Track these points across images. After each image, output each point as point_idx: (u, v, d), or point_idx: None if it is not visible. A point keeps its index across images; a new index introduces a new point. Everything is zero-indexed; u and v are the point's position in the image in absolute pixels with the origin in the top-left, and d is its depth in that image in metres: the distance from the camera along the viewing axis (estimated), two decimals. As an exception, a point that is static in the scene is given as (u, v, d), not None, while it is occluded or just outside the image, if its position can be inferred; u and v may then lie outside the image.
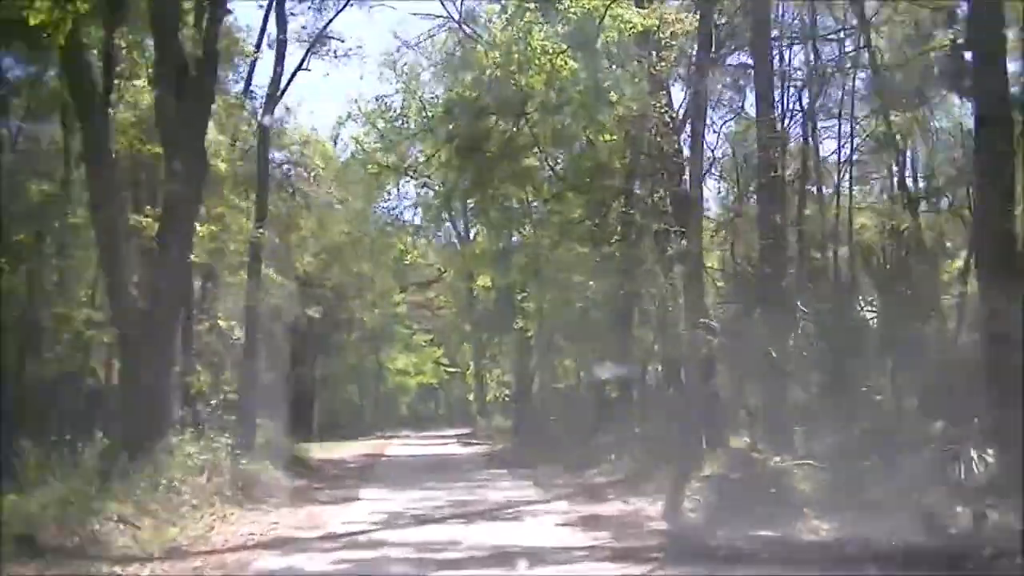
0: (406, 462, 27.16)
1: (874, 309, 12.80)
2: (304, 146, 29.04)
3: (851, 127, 21.11)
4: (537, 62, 20.18)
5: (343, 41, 26.46)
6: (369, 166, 27.75)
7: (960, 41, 17.49)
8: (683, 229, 17.35)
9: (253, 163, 23.16)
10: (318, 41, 25.49)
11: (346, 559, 9.74)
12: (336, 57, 26.33)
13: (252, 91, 24.25)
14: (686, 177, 19.69)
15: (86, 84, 14.06)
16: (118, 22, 15.12)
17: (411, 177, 28.37)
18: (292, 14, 24.75)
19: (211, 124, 18.08)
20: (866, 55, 19.52)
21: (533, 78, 20.75)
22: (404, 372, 53.57)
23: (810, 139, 21.56)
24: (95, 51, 14.86)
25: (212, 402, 18.65)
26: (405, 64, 27.03)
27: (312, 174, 29.13)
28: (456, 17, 25.78)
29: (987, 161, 12.15)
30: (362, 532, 11.78)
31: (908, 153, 21.28)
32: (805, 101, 21.54)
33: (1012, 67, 13.48)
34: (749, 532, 9.72)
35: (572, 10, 19.57)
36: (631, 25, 19.05)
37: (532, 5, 20.21)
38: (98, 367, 19.09)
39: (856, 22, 19.90)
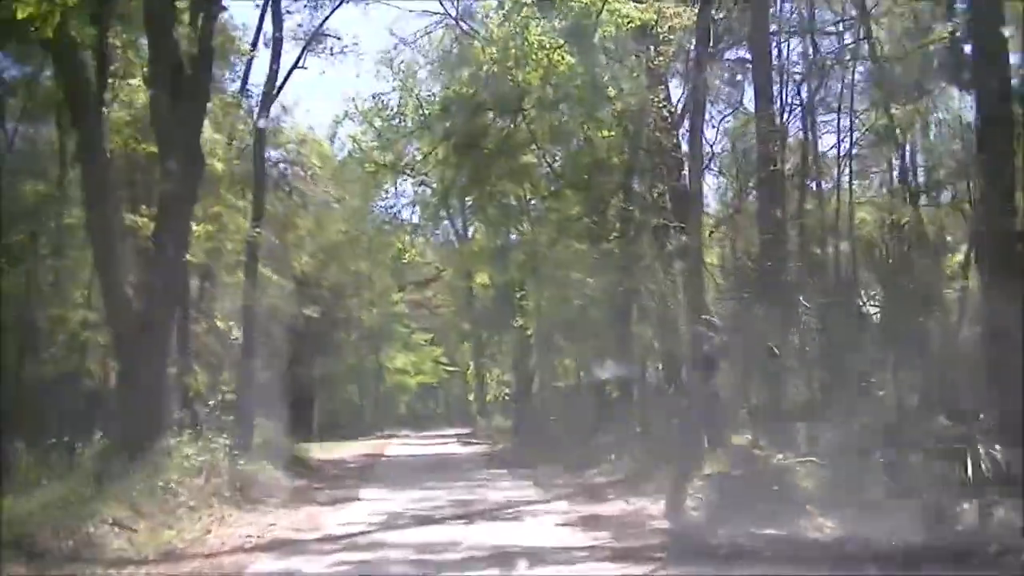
0: (406, 462, 27.08)
1: (876, 304, 12.70)
2: (301, 145, 28.92)
3: (850, 120, 20.99)
4: (534, 57, 20.06)
5: (339, 39, 26.36)
6: (366, 165, 27.66)
7: (958, 34, 17.48)
8: (682, 225, 17.23)
9: (250, 162, 23.06)
10: (314, 39, 25.40)
11: (345, 561, 9.62)
12: (332, 55, 26.22)
13: (248, 90, 24.23)
14: (685, 172, 19.61)
15: (80, 83, 13.94)
16: (111, 20, 14.97)
17: (408, 175, 28.27)
18: (288, 12, 24.72)
19: (207, 123, 18.00)
20: (866, 47, 19.39)
21: (530, 74, 20.63)
22: (403, 371, 53.44)
23: (809, 133, 21.43)
24: (89, 50, 14.71)
25: (210, 403, 18.53)
26: (402, 63, 26.97)
27: (309, 173, 29.01)
28: (453, 14, 25.71)
29: (988, 159, 12.07)
30: (361, 533, 11.67)
31: (908, 146, 21.12)
32: (804, 95, 21.39)
33: (1013, 59, 13.37)
34: (752, 531, 9.60)
35: (569, 4, 19.45)
36: (628, 19, 18.93)
37: (529, 0, 20.07)
38: (96, 368, 18.98)
39: (855, 15, 19.77)
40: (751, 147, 20.46)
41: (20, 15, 8.60)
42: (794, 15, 22.16)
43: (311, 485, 18.29)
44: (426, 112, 24.57)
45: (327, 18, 25.71)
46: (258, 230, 21.18)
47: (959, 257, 19.76)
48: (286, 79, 24.35)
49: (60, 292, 18.51)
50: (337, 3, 25.55)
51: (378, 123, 26.73)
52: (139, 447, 12.53)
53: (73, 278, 18.83)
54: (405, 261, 40.93)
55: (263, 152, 23.46)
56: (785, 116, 21.10)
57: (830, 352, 12.79)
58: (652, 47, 19.65)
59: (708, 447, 14.82)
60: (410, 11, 30.55)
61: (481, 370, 49.60)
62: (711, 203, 23.83)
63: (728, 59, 22.50)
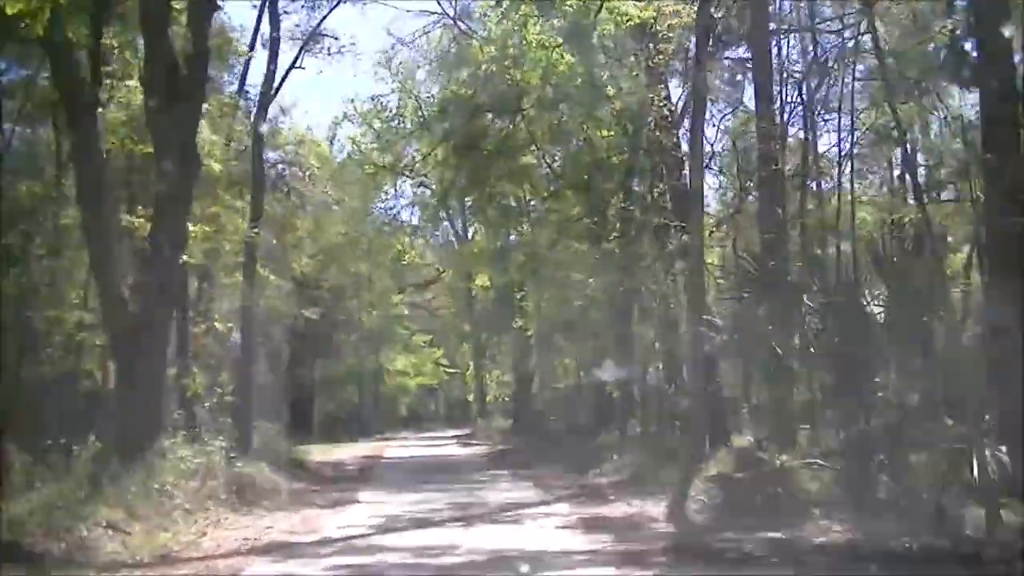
0: (405, 463, 26.98)
1: (880, 303, 12.57)
2: (299, 146, 28.81)
3: (851, 119, 20.87)
4: (533, 56, 19.96)
5: (336, 39, 26.32)
6: (366, 166, 27.62)
7: (959, 32, 17.37)
8: (683, 224, 17.10)
9: (248, 163, 22.95)
10: (311, 39, 25.33)
11: (341, 564, 9.49)
12: (330, 55, 26.21)
13: (246, 90, 24.12)
14: (685, 172, 19.48)
15: (75, 83, 13.82)
16: (107, 19, 14.87)
17: (407, 176, 28.24)
18: (285, 12, 24.69)
19: (205, 124, 17.89)
20: (868, 40, 19.26)
21: (529, 73, 20.55)
22: (403, 373, 53.36)
23: (810, 132, 21.30)
24: (84, 50, 14.59)
25: (206, 404, 18.39)
26: (401, 63, 26.96)
27: (307, 173, 28.90)
28: (451, 14, 25.64)
29: (992, 159, 11.94)
30: (358, 536, 11.52)
31: (912, 143, 21.00)
32: (805, 93, 21.26)
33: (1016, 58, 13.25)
34: (757, 534, 9.48)
35: (568, 3, 19.34)
36: (628, 17, 18.81)
37: (527, -2, 20.01)
38: (94, 369, 18.83)
39: (855, 13, 19.63)
40: (751, 146, 20.35)
41: (10, 11, 8.50)
42: (792, 13, 22.09)
43: (309, 487, 18.15)
44: (425, 113, 24.54)
45: (324, 18, 25.72)
46: (256, 230, 21.04)
47: (961, 256, 19.67)
48: (283, 79, 24.31)
49: (57, 293, 18.34)
50: (334, 3, 25.52)
51: (377, 124, 26.73)
52: (135, 449, 12.40)
53: (70, 279, 18.68)
54: (405, 263, 40.96)
55: (261, 152, 23.36)
56: (786, 115, 21.02)
57: (833, 352, 12.63)
58: (652, 45, 19.53)
59: (710, 448, 14.72)
60: (407, 11, 30.49)
61: (481, 371, 49.56)
62: (711, 203, 23.73)
63: (728, 58, 22.39)
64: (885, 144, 22.00)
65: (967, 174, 16.88)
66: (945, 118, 18.13)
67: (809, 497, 11.25)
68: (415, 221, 36.64)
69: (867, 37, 19.92)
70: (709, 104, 20.46)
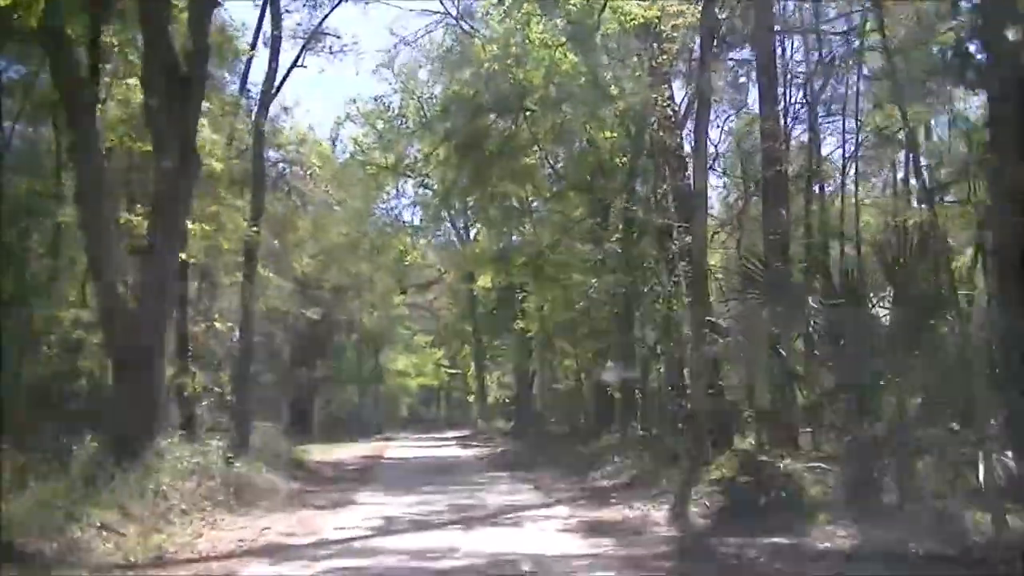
0: (405, 464, 26.87)
1: (885, 306, 12.41)
2: (300, 144, 28.69)
3: (856, 120, 20.77)
4: (536, 55, 19.84)
5: (339, 37, 26.20)
6: (368, 167, 27.55)
7: (963, 35, 17.24)
8: (686, 225, 16.97)
9: (249, 162, 22.83)
10: (313, 37, 25.18)
11: (337, 568, 9.34)
12: (332, 53, 26.05)
13: (248, 89, 24.00)
14: (689, 173, 19.36)
15: (73, 80, 13.69)
16: (106, 16, 14.74)
17: (409, 176, 28.14)
18: (287, 11, 24.52)
19: (206, 123, 17.77)
20: (872, 42, 19.17)
21: (532, 72, 20.42)
22: (404, 374, 53.35)
23: (814, 133, 21.21)
24: (83, 46, 14.48)
25: (203, 403, 18.27)
26: (404, 64, 26.89)
27: (308, 172, 28.78)
28: (453, 13, 25.54)
29: (996, 160, 11.80)
30: (356, 538, 11.37)
31: (917, 144, 20.89)
32: (809, 94, 21.18)
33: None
34: (761, 539, 9.33)
35: (571, 2, 19.22)
36: (631, 17, 18.67)
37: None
38: (92, 368, 18.70)
39: (860, 12, 19.53)
40: (755, 147, 20.25)
41: (2, 2, 8.36)
42: (795, 15, 22.00)
43: (307, 488, 17.99)
44: (427, 113, 24.44)
45: (326, 17, 25.59)
46: (256, 228, 20.89)
47: (964, 260, 19.53)
48: (285, 77, 24.18)
49: (56, 291, 18.22)
50: (336, 2, 25.36)
51: (380, 125, 26.67)
52: (131, 449, 12.26)
53: (69, 276, 18.57)
54: (406, 263, 40.86)
55: (262, 150, 23.21)
56: (789, 117, 20.93)
57: (837, 355, 12.47)
58: (656, 45, 19.40)
59: (712, 451, 14.58)
60: (410, 10, 30.38)
61: (482, 372, 49.49)
62: (714, 205, 23.66)
63: (732, 59, 22.30)
64: (889, 146, 21.91)
65: (971, 176, 16.78)
66: (954, 119, 17.99)
67: (813, 501, 11.10)
68: (417, 221, 36.54)
69: (871, 39, 19.91)
70: (713, 105, 20.39)
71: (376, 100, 26.31)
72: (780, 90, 19.81)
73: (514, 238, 30.37)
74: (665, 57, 19.40)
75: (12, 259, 17.17)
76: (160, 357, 14.26)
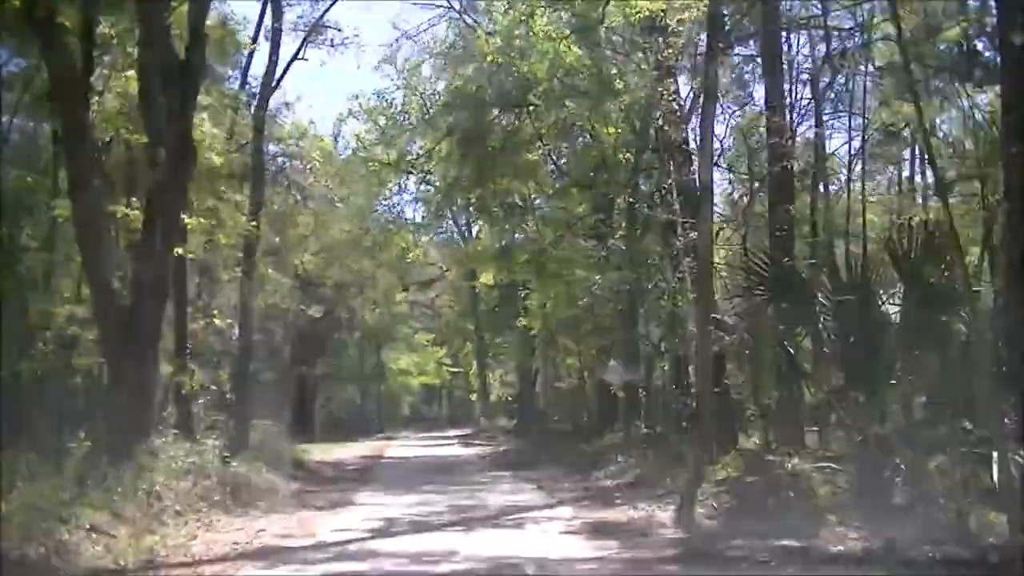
0: (406, 463, 26.69)
1: (895, 303, 12.14)
2: (301, 138, 28.46)
3: (863, 116, 20.49)
4: (540, 48, 19.57)
5: (340, 30, 26.01)
6: (370, 163, 27.31)
7: (971, 32, 16.98)
8: (691, 220, 16.69)
9: (248, 156, 22.60)
10: (314, 30, 24.99)
11: (334, 572, 9.10)
12: (333, 46, 25.89)
13: (249, 83, 23.82)
14: (694, 168, 19.06)
15: (65, 70, 13.40)
16: (99, 5, 14.47)
17: (411, 172, 27.88)
18: (288, 4, 24.27)
19: (205, 117, 17.52)
20: (879, 38, 18.90)
21: (536, 65, 20.14)
22: (406, 372, 53.09)
23: (821, 128, 20.91)
24: (76, 36, 14.21)
25: (199, 401, 18.01)
26: (406, 59, 26.66)
27: (309, 166, 28.55)
28: (456, 6, 25.29)
29: (1013, 156, 11.50)
30: (354, 540, 11.11)
31: (929, 139, 20.62)
32: (817, 89, 20.89)
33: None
34: (770, 541, 9.02)
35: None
36: (636, 10, 18.39)
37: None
38: (87, 365, 18.46)
39: (871, 6, 19.25)
40: (762, 143, 19.96)
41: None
42: (802, 10, 21.68)
43: (306, 488, 17.76)
44: (429, 108, 24.19)
45: (327, 9, 25.38)
46: (255, 223, 20.62)
47: (971, 257, 19.24)
48: (286, 70, 24.06)
49: (50, 286, 17.98)
50: (337, -6, 25.11)
51: (382, 121, 26.41)
52: (124, 448, 12.03)
53: (64, 272, 18.34)
54: (409, 260, 40.59)
55: (261, 143, 23.00)
56: (795, 113, 20.63)
57: (846, 352, 12.20)
58: (661, 39, 19.12)
59: (717, 451, 14.32)
60: (413, 3, 30.00)
61: (484, 370, 49.30)
62: (719, 202, 23.36)
63: (739, 54, 22.00)
64: (896, 143, 21.64)
65: (981, 168, 16.51)
66: (972, 113, 17.71)
67: (822, 502, 10.82)
68: (419, 218, 36.26)
69: (878, 35, 19.64)
70: (719, 100, 20.10)
71: (378, 96, 26.05)
72: (786, 86, 19.53)
73: (516, 235, 30.13)
74: (670, 51, 19.12)
75: (7, 254, 16.94)
76: (154, 353, 14.01)
